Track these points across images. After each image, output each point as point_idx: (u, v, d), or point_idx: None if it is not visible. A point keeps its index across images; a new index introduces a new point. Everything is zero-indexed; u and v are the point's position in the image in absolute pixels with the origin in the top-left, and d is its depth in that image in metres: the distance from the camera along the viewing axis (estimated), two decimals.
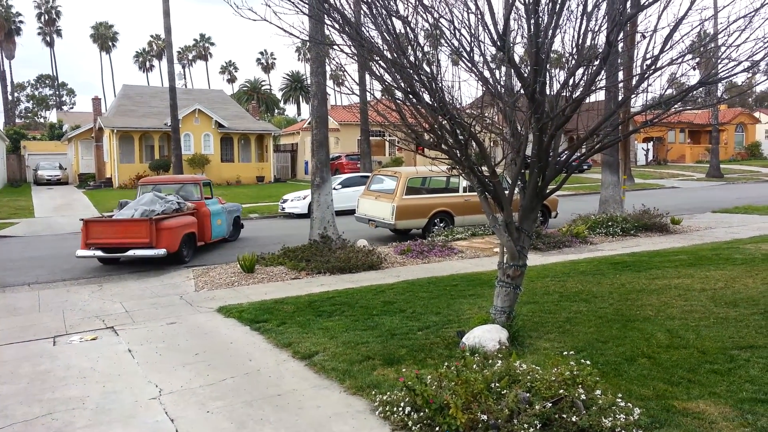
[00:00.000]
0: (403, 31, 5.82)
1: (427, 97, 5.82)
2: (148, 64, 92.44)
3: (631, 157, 37.41)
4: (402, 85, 5.89)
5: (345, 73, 7.05)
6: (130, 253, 11.65)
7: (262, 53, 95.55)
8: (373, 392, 4.74)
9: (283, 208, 21.95)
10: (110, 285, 10.34)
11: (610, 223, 14.64)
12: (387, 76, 6.03)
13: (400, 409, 4.31)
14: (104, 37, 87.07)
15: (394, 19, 5.83)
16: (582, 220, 15.11)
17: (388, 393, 4.50)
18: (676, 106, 6.28)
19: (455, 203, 15.20)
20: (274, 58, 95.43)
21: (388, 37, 5.79)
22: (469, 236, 14.23)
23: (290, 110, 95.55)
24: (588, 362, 4.39)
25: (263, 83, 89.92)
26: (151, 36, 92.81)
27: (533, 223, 6.59)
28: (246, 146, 39.94)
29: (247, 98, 75.31)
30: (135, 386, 5.41)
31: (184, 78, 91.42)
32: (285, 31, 6.14)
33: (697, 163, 45.68)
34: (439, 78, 5.69)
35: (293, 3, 6.01)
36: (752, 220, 16.37)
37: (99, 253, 11.85)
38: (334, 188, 22.38)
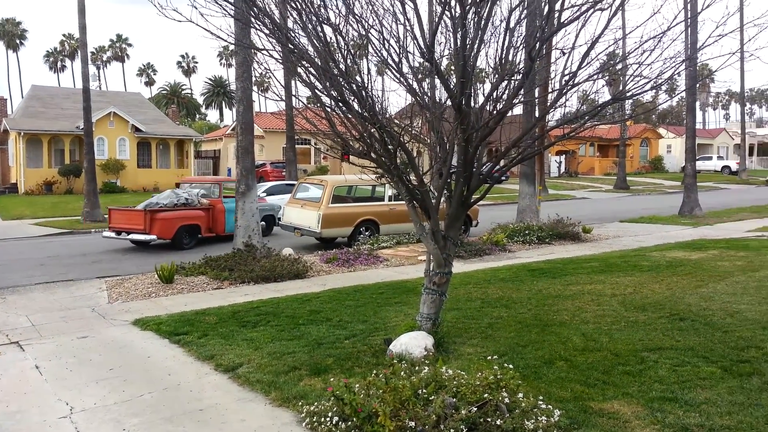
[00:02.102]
0: (333, 39, 5.83)
1: (357, 106, 5.85)
2: (59, 64, 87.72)
3: (545, 169, 39.10)
4: (332, 93, 5.89)
5: (272, 78, 6.99)
6: (132, 236, 14.75)
7: (183, 56, 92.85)
8: (300, 403, 4.67)
9: None
10: (15, 297, 9.65)
11: (527, 232, 15.19)
12: (317, 84, 6.01)
13: (328, 419, 4.27)
14: (11, 35, 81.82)
15: (324, 26, 5.84)
16: (501, 228, 15.60)
17: (315, 403, 4.45)
18: (591, 121, 6.65)
19: (381, 212, 15.32)
20: (196, 62, 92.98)
21: (318, 45, 5.78)
22: (394, 244, 14.36)
23: (212, 115, 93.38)
24: (510, 366, 4.52)
25: (184, 87, 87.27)
26: (64, 35, 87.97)
27: (458, 231, 6.74)
28: (165, 152, 38.55)
29: (167, 102, 72.83)
30: (43, 405, 5.06)
31: (99, 80, 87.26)
32: (212, 33, 6.01)
33: (605, 176, 48.32)
34: (369, 87, 5.74)
35: (221, 6, 5.89)
36: (656, 229, 17.49)
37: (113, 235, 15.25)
38: (259, 196, 22.12)
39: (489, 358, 4.75)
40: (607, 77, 6.69)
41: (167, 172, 37.76)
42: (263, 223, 17.40)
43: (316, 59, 5.83)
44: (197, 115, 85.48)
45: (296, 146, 30.39)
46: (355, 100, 5.71)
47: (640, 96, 5.99)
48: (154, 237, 14.53)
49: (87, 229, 19.74)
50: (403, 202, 6.55)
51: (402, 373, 4.59)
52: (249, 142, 12.60)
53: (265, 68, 6.68)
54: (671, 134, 57.77)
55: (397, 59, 5.79)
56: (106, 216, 21.43)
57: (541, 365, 5.50)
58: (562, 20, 5.39)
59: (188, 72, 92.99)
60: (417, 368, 4.81)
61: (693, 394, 4.74)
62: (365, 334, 6.79)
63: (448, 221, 6.52)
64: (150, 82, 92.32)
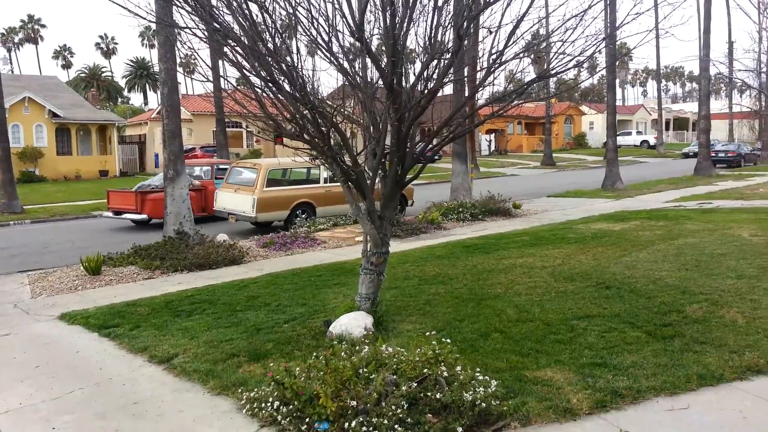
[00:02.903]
0: (260, 17, 5.67)
1: (287, 87, 5.74)
2: None
3: (476, 147, 39.85)
4: (261, 73, 5.74)
5: (198, 59, 6.73)
6: (126, 216, 15.99)
7: (102, 37, 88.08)
8: (240, 390, 4.60)
9: None
10: None
11: (460, 209, 15.48)
12: (245, 64, 5.84)
13: (269, 404, 4.23)
14: None
15: (250, 4, 5.67)
16: (436, 207, 15.83)
17: (255, 389, 4.39)
18: (518, 99, 6.80)
19: (317, 194, 15.20)
20: (116, 43, 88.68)
21: (244, 23, 5.60)
22: (331, 226, 14.31)
23: (136, 99, 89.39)
24: (448, 340, 4.61)
25: (104, 70, 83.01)
26: None
27: (394, 210, 6.78)
28: (86, 138, 36.66)
29: (86, 86, 69.14)
30: None
31: (11, 63, 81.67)
32: (129, 11, 5.72)
33: (533, 153, 49.83)
34: (300, 67, 5.63)
35: None
36: (581, 203, 18.22)
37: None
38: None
39: (427, 334, 4.82)
40: (532, 56, 6.83)
41: (89, 159, 36.01)
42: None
43: (243, 38, 5.67)
44: (120, 99, 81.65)
45: (227, 129, 29.58)
46: (286, 80, 5.59)
47: (564, 74, 6.17)
48: (145, 217, 15.65)
49: (5, 222, 18.58)
50: (339, 184, 6.52)
51: (342, 353, 4.60)
52: (176, 125, 12.15)
53: (189, 48, 6.44)
54: (593, 111, 60.06)
55: (327, 38, 5.71)
56: (25, 207, 20.34)
57: (477, 338, 5.65)
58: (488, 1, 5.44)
59: (108, 54, 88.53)
60: (357, 348, 4.83)
61: (621, 358, 4.99)
62: (304, 317, 6.75)
63: (383, 201, 6.54)
64: (67, 65, 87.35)
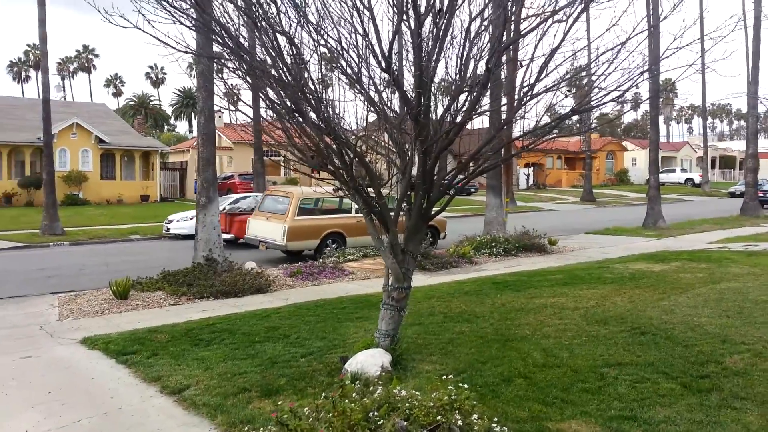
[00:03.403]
0: (288, 48, 5.66)
1: (313, 116, 5.69)
2: (23, 74, 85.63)
3: (513, 181, 39.43)
4: (287, 102, 5.71)
5: (241, 90, 6.76)
6: None
7: (151, 67, 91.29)
8: (246, 428, 4.43)
9: (168, 229, 20.82)
10: None
11: (493, 244, 15.17)
12: (271, 93, 5.83)
13: None
14: None
15: (279, 35, 5.67)
16: (468, 240, 15.55)
17: (261, 429, 4.21)
18: (552, 132, 6.59)
19: (347, 224, 15.13)
20: (165, 73, 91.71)
21: (272, 53, 5.60)
22: (361, 257, 14.17)
23: (181, 127, 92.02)
24: (466, 386, 4.35)
25: (152, 98, 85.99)
26: (28, 45, 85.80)
27: (419, 244, 6.60)
28: (130, 163, 37.73)
29: (134, 113, 71.61)
30: None
31: (64, 90, 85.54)
32: (159, 40, 5.78)
33: (572, 188, 48.96)
34: (325, 97, 5.58)
35: (170, 13, 5.68)
36: (621, 241, 17.64)
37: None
38: (224, 208, 21.71)
39: (444, 377, 4.59)
40: (566, 89, 6.63)
41: (132, 184, 36.96)
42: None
43: (272, 70, 5.67)
44: (166, 127, 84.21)
45: (266, 158, 30.01)
46: (311, 109, 5.53)
47: (601, 108, 5.96)
48: (233, 236, 17.26)
49: (45, 243, 19.07)
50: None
51: (354, 394, 4.38)
52: (210, 153, 12.31)
53: (220, 78, 6.49)
54: (636, 147, 58.95)
55: (356, 69, 5.65)
56: (66, 229, 20.88)
57: (499, 383, 5.35)
58: (521, 31, 5.30)
59: (157, 83, 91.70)
60: (371, 389, 4.61)
61: (652, 412, 4.64)
62: (322, 352, 6.57)
63: (407, 234, 6.37)
64: (117, 93, 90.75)
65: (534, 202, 37.09)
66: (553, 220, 25.89)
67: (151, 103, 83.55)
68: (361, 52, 5.63)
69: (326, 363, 6.14)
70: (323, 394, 4.43)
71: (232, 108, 6.54)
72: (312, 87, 5.70)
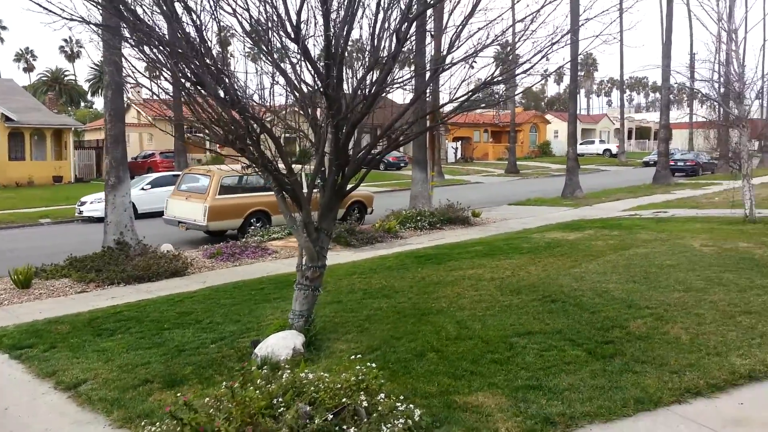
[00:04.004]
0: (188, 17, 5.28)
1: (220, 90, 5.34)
2: None
3: (442, 155, 39.80)
4: (187, 74, 5.35)
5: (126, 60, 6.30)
6: None
7: (66, 41, 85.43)
8: (143, 423, 4.19)
9: (81, 212, 19.72)
10: None
11: (419, 218, 15.23)
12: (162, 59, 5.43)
13: None
14: None
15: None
16: (394, 215, 15.54)
17: (158, 423, 3.98)
18: (468, 105, 6.53)
19: (273, 202, 14.66)
20: (81, 47, 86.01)
21: (168, 20, 5.21)
22: (286, 236, 13.87)
23: (99, 103, 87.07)
24: (374, 365, 4.28)
25: (67, 73, 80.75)
26: None
27: (333, 222, 6.44)
28: (41, 142, 35.37)
29: (48, 89, 67.12)
30: None
31: None
32: (40, 6, 5.27)
33: (498, 161, 49.98)
34: (226, 67, 5.25)
35: None
36: (541, 211, 18.15)
37: None
38: (143, 188, 20.74)
39: (357, 356, 4.49)
40: (489, 61, 6.51)
41: (43, 165, 34.73)
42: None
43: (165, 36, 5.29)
44: (82, 103, 79.54)
45: (187, 135, 28.83)
46: (214, 81, 5.19)
47: (516, 81, 5.94)
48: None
49: None
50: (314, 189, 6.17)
51: (259, 380, 4.23)
52: (119, 130, 11.62)
53: (114, 49, 6.01)
54: (559, 120, 60.70)
55: (265, 38, 5.35)
56: None
57: (412, 358, 5.33)
58: (429, 2, 5.15)
59: (72, 57, 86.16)
60: (279, 373, 4.46)
61: (557, 380, 4.73)
62: (235, 336, 6.35)
63: (321, 212, 6.21)
64: (29, 68, 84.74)
65: (461, 176, 37.63)
66: (479, 193, 26.36)
67: (66, 79, 78.52)
68: (268, 16, 5.32)
69: (238, 348, 5.93)
70: (224, 384, 4.23)
71: (142, 84, 6.03)
72: (213, 57, 5.36)
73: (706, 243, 10.56)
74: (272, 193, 15.65)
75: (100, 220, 18.78)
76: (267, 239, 13.43)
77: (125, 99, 18.85)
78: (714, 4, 14.00)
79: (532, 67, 5.61)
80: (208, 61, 5.27)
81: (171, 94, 17.31)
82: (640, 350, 5.30)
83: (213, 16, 5.37)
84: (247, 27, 5.34)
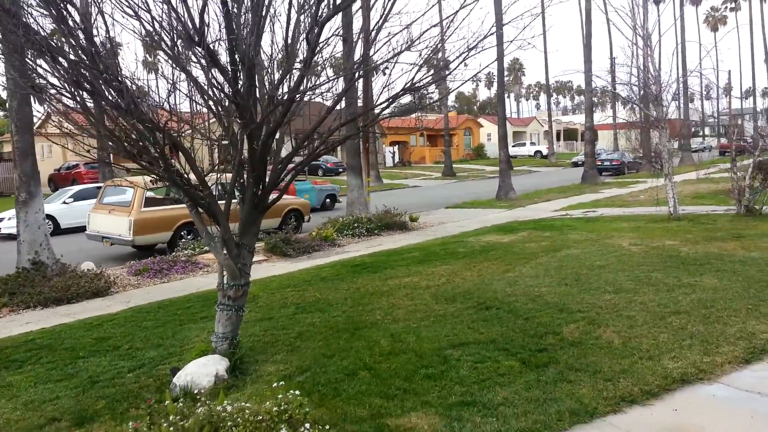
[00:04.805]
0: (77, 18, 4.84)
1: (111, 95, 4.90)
2: None
3: (380, 159, 39.85)
4: (80, 81, 4.89)
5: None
6: None
7: None
8: None
9: (0, 228, 18.46)
10: None
11: (356, 225, 15.02)
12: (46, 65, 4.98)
13: None
14: None
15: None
16: (331, 223, 15.29)
17: None
18: (392, 111, 6.37)
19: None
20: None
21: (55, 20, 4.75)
22: None
23: None
24: (298, 393, 4.00)
25: None
26: None
27: (255, 236, 6.11)
28: None
29: None
30: None
31: None
32: None
33: (435, 164, 50.54)
34: (121, 72, 4.82)
35: None
36: (477, 214, 18.30)
37: None
38: (65, 201, 19.64)
39: (275, 385, 4.19)
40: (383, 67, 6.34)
41: None
42: (327, 200, 22.81)
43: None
44: (2, 113, 74.95)
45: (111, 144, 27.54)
46: (106, 86, 4.76)
47: (433, 86, 5.81)
48: None
49: None
50: (234, 201, 5.79)
51: (173, 416, 3.88)
52: (28, 143, 10.81)
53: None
54: (491, 123, 61.99)
55: (168, 39, 4.97)
56: None
57: (343, 378, 5.08)
58: (338, 5, 4.94)
59: None
60: (197, 405, 4.12)
61: (492, 394, 4.59)
62: (155, 363, 5.92)
63: (241, 227, 5.88)
64: None
65: (399, 179, 37.73)
66: (417, 197, 26.43)
67: None
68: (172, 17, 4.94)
69: (157, 376, 5.51)
70: (130, 424, 3.86)
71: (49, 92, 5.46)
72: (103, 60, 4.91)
73: (634, 242, 10.83)
74: (222, 202, 15.29)
75: None
76: (198, 253, 12.88)
77: (44, 108, 17.76)
78: (628, 11, 14.52)
79: (450, 73, 5.51)
80: (100, 66, 4.83)
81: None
82: (574, 357, 5.25)
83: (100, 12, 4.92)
84: (148, 28, 4.94)
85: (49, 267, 10.66)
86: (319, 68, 5.92)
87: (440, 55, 5.61)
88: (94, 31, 4.98)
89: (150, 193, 13.57)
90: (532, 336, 5.85)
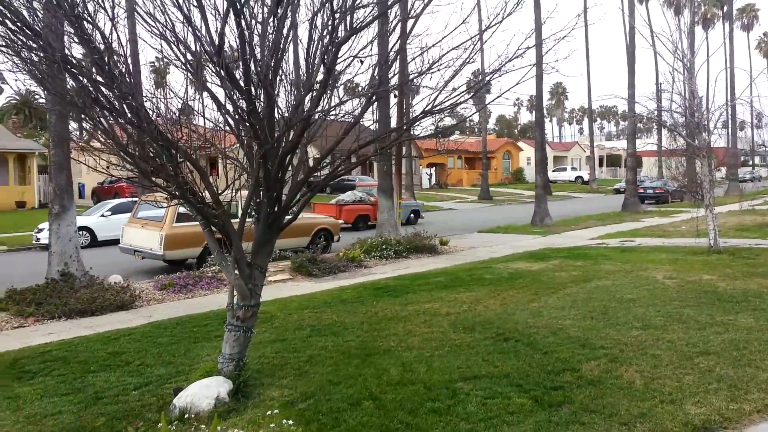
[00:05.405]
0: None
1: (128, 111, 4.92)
2: None
3: (416, 180, 39.76)
4: (100, 97, 4.94)
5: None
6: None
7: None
8: None
9: (38, 239, 18.96)
10: None
11: (384, 246, 14.88)
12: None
13: None
14: None
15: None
16: (359, 244, 15.19)
17: None
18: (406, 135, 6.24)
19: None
20: None
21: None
22: None
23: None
24: (291, 422, 3.87)
25: (36, 96, 79.29)
26: None
27: (268, 256, 6.04)
28: (2, 167, 34.40)
29: (17, 113, 65.74)
30: None
31: None
32: None
33: (472, 187, 50.11)
34: (137, 85, 4.85)
35: None
36: (509, 239, 17.92)
37: None
38: (103, 215, 20.11)
39: (269, 413, 4.04)
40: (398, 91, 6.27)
41: (6, 190, 33.74)
42: (412, 215, 24.98)
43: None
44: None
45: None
46: (120, 101, 4.78)
47: (452, 110, 5.68)
48: (342, 221, 20.08)
49: None
50: (250, 220, 5.77)
51: None
52: (63, 156, 11.11)
53: None
54: (530, 147, 61.30)
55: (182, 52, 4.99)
56: None
57: (346, 408, 4.90)
58: (355, 27, 4.87)
59: (42, 80, 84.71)
60: (191, 430, 4.02)
61: None
62: (162, 381, 5.86)
63: (254, 247, 5.82)
64: None
65: (435, 202, 37.50)
66: (451, 219, 26.16)
67: (36, 102, 77.08)
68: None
69: (161, 395, 5.44)
70: None
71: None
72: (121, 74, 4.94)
73: (670, 275, 10.36)
74: (236, 220, 15.35)
75: None
76: None
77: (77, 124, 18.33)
78: (669, 35, 14.13)
79: (472, 97, 5.37)
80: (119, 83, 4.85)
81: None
82: (590, 397, 4.95)
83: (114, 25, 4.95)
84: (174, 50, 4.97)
85: (78, 279, 10.84)
86: (338, 89, 5.84)
87: (458, 80, 5.47)
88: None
89: (183, 209, 13.78)
90: (548, 372, 5.56)
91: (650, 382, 5.27)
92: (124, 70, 4.84)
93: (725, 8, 48.11)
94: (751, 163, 67.20)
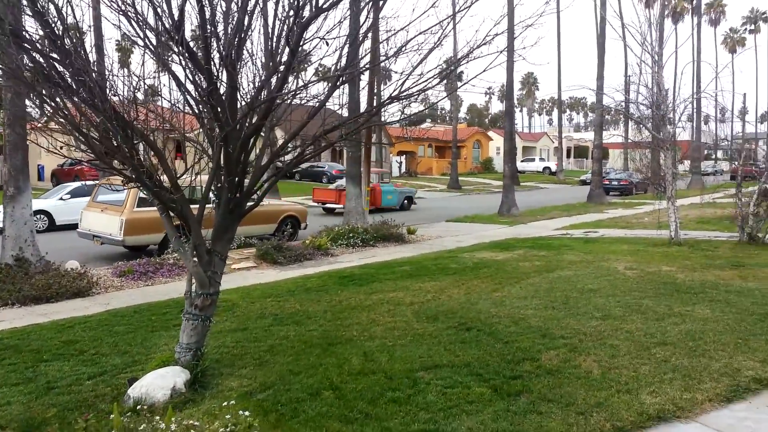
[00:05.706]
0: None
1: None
2: None
3: (386, 168, 39.65)
4: (53, 73, 4.73)
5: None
6: (327, 205, 23.60)
7: None
8: None
9: None
10: None
11: (351, 235, 14.80)
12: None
13: None
14: None
15: None
16: (326, 231, 15.08)
17: None
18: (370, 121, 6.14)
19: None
20: None
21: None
22: None
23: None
24: (247, 413, 3.79)
25: None
26: None
27: (228, 243, 5.93)
28: None
29: None
30: None
31: None
32: None
33: (442, 176, 50.28)
34: (91, 62, 4.64)
35: None
36: (476, 229, 18.03)
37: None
38: (62, 198, 19.52)
39: (225, 404, 3.97)
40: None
41: None
42: (405, 201, 25.66)
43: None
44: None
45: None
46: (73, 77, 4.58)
47: (420, 96, 5.61)
48: (342, 206, 20.26)
49: None
50: (210, 206, 5.61)
51: None
52: (19, 136, 10.71)
53: None
54: (500, 137, 61.76)
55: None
56: None
57: (305, 398, 4.85)
58: (320, 4, 4.75)
59: None
60: (144, 424, 3.91)
61: (457, 423, 4.35)
62: (117, 371, 5.71)
63: (214, 233, 5.69)
64: None
65: None
66: (419, 208, 26.19)
67: None
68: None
69: (116, 385, 5.30)
70: None
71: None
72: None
73: (630, 266, 10.54)
74: (195, 206, 15.02)
75: None
76: None
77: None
78: (638, 27, 14.29)
79: (440, 83, 5.32)
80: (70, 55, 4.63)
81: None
82: (549, 387, 4.99)
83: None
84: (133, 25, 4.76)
85: (33, 264, 10.53)
86: (305, 72, 5.73)
87: (427, 66, 5.41)
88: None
89: (144, 194, 13.45)
90: (508, 361, 5.59)
91: (608, 371, 5.35)
92: (78, 45, 4.63)
93: (694, 2, 48.95)
94: (713, 157, 69.00)
